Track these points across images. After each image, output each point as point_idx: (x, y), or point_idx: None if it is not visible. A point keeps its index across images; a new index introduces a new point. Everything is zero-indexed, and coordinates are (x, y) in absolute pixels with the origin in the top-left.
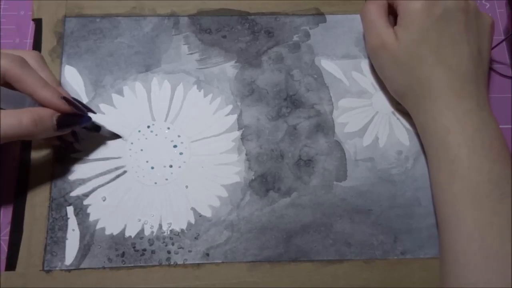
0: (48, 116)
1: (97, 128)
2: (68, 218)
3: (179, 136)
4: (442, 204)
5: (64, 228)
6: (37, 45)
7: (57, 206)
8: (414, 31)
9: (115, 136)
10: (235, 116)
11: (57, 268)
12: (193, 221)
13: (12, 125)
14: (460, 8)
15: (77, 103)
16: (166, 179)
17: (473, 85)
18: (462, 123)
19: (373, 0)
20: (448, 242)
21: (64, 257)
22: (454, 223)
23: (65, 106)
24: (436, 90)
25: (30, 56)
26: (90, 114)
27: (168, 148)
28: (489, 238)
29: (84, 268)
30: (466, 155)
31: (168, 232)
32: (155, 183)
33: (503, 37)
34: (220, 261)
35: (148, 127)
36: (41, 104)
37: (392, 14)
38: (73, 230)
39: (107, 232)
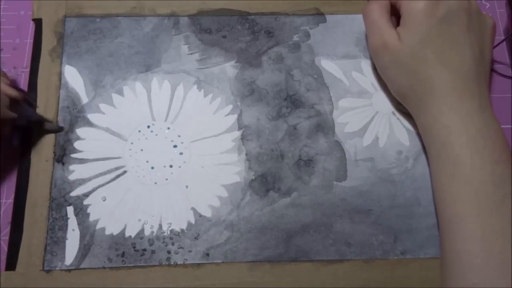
0: (3, 94)
1: (41, 120)
2: (68, 218)
3: (179, 136)
4: (443, 204)
5: (64, 228)
6: (37, 45)
7: (57, 206)
8: (416, 32)
9: (60, 128)
10: (235, 116)
11: (57, 268)
12: (193, 221)
13: None
14: (463, 8)
15: (24, 92)
16: (166, 179)
17: (475, 86)
18: (464, 123)
19: (376, 0)
20: (449, 243)
21: (64, 257)
22: (456, 223)
23: (14, 92)
24: (438, 90)
25: None
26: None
27: (168, 148)
28: (491, 239)
29: (84, 268)
30: (468, 156)
31: (168, 232)
32: (155, 183)
33: (503, 37)
34: (220, 261)
35: (148, 127)
36: None
37: (395, 14)
38: (73, 230)
39: (107, 232)
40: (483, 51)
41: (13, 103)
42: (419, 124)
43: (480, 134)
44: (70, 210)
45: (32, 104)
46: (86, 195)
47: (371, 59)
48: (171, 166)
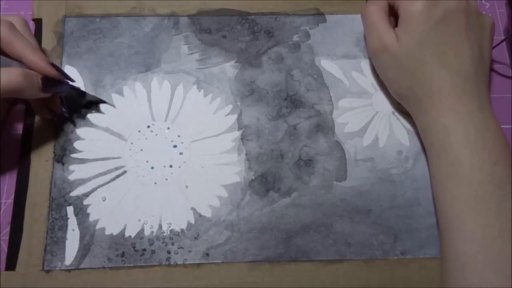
0: (34, 74)
1: (81, 93)
2: (68, 218)
3: (179, 136)
4: (443, 205)
5: (64, 228)
6: None
7: (57, 206)
8: (415, 33)
9: (101, 100)
10: (235, 116)
11: (57, 268)
12: (193, 221)
13: (4, 80)
14: (461, 9)
15: (62, 70)
16: (166, 179)
17: (475, 86)
18: (463, 124)
19: (374, 0)
20: (449, 243)
21: (64, 257)
22: (455, 224)
23: (52, 71)
24: (437, 91)
25: (15, 21)
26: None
27: (168, 148)
28: (490, 240)
29: (84, 268)
30: (467, 156)
31: (168, 232)
32: (155, 183)
33: (503, 37)
34: (220, 261)
35: (148, 127)
36: (29, 68)
37: (393, 15)
38: (73, 230)
39: (107, 232)
40: (482, 51)
41: (51, 80)
42: (418, 125)
43: (479, 134)
44: (70, 210)
45: (70, 78)
46: (86, 195)
47: (370, 59)
48: (171, 166)
